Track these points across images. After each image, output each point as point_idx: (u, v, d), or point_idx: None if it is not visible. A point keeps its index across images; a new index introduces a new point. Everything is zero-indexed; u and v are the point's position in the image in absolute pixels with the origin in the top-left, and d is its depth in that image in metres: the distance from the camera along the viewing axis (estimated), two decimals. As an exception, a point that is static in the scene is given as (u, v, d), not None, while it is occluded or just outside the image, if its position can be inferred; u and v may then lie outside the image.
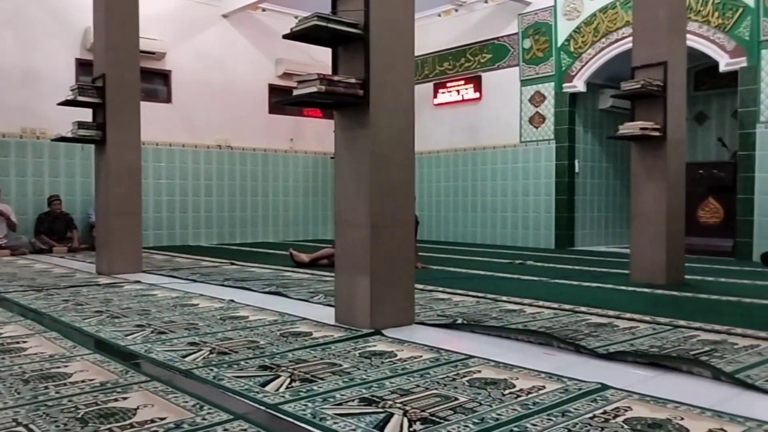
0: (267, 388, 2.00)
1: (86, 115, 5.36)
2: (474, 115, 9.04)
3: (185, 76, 8.70)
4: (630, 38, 4.99)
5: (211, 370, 2.23)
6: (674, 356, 2.42)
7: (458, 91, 9.20)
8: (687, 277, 4.79)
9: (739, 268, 5.73)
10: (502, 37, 8.67)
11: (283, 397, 1.91)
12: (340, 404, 1.84)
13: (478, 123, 8.99)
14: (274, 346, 2.60)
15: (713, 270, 5.52)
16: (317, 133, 9.91)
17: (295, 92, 2.95)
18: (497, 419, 1.72)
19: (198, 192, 8.85)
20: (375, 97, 2.94)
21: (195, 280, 4.81)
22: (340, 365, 2.29)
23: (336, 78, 2.90)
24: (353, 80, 2.91)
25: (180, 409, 1.78)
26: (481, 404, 1.85)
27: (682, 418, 1.73)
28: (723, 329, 2.93)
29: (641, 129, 4.59)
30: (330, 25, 2.88)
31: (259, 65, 9.39)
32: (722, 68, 6.74)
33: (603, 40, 7.65)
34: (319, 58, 8.21)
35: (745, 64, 6.50)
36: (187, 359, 2.39)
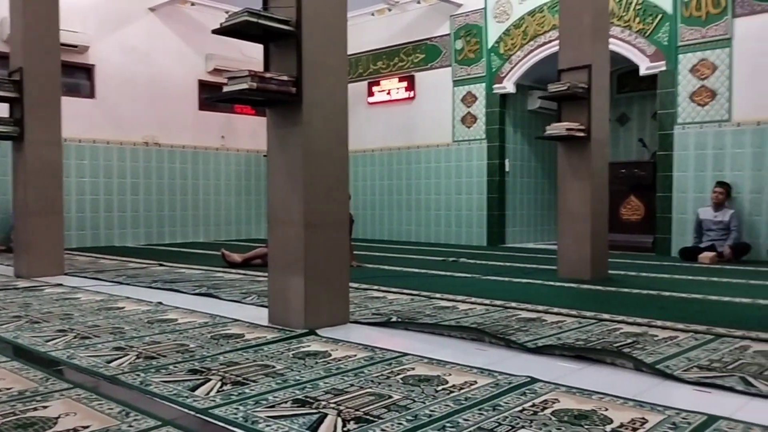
0: (197, 393, 1.95)
1: (2, 110, 5.08)
2: (408, 114, 9.11)
3: (110, 71, 8.37)
4: (557, 41, 5.15)
5: (138, 375, 2.15)
6: (599, 349, 2.51)
7: (392, 90, 9.25)
8: (610, 272, 4.99)
9: (659, 263, 6.02)
10: (435, 37, 8.78)
11: (213, 401, 1.87)
12: (272, 406, 1.81)
13: (412, 122, 9.07)
14: (204, 349, 2.53)
15: (635, 265, 5.77)
16: (249, 131, 9.74)
17: (226, 89, 2.89)
18: (430, 415, 1.74)
19: (124, 191, 8.54)
20: (308, 94, 2.92)
21: (121, 283, 4.64)
22: (273, 367, 2.26)
23: (268, 75, 2.86)
24: (286, 77, 2.88)
25: (105, 417, 1.71)
26: (414, 401, 1.86)
27: (606, 409, 1.80)
28: (644, 322, 3.06)
29: (567, 130, 4.75)
30: (261, 21, 2.83)
31: (188, 60, 9.15)
32: (643, 72, 7.05)
33: (531, 42, 7.86)
34: (250, 54, 8.07)
35: (664, 68, 6.82)
36: (112, 365, 2.30)
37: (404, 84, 9.10)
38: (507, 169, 8.45)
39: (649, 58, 6.92)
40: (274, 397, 1.90)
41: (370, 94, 9.49)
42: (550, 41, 7.49)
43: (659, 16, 6.81)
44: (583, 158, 4.82)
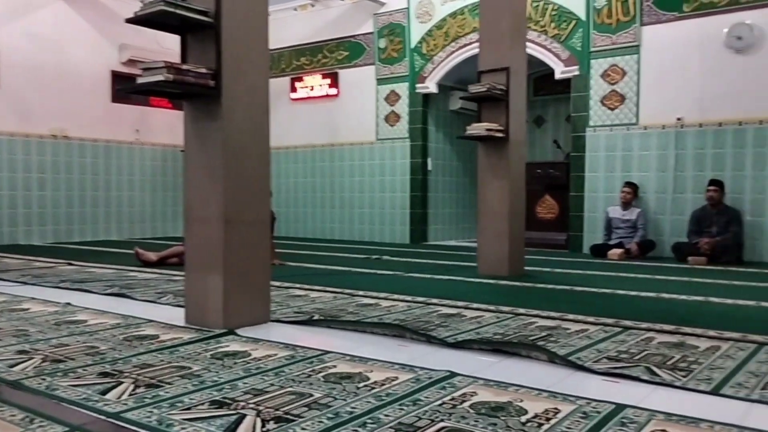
0: (108, 396, 1.86)
1: None
2: (331, 111, 9.07)
3: (15, 59, 7.87)
4: (477, 44, 5.26)
5: (44, 379, 2.03)
6: (515, 342, 2.59)
7: (316, 86, 9.18)
8: (527, 268, 5.15)
9: (572, 260, 6.27)
10: (359, 35, 8.79)
11: (125, 404, 1.79)
12: (188, 409, 1.76)
13: (335, 119, 9.04)
14: (116, 351, 2.43)
15: (549, 261, 5.98)
16: (166, 125, 9.41)
17: (140, 80, 2.78)
18: (351, 412, 1.73)
19: (29, 186, 8.06)
20: (228, 88, 2.85)
21: (26, 283, 4.37)
22: (190, 368, 2.19)
23: (185, 67, 2.77)
24: (204, 70, 2.80)
25: (6, 424, 1.60)
26: (336, 399, 1.85)
27: (521, 400, 1.85)
28: (557, 316, 3.18)
29: (487, 130, 4.86)
30: (178, 11, 2.74)
31: (101, 50, 8.73)
32: (558, 75, 7.32)
33: (453, 44, 8.00)
34: (168, 46, 7.79)
35: (577, 73, 7.10)
36: (15, 369, 2.16)
37: (328, 81, 9.05)
38: (429, 167, 8.57)
39: (564, 62, 7.19)
40: (191, 399, 1.85)
41: (293, 90, 9.39)
42: (470, 43, 7.65)
43: (573, 23, 7.10)
44: (502, 158, 4.95)
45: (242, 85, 2.93)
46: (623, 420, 1.68)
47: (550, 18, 7.23)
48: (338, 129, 9.01)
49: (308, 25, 9.23)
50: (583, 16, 7.02)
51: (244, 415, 1.70)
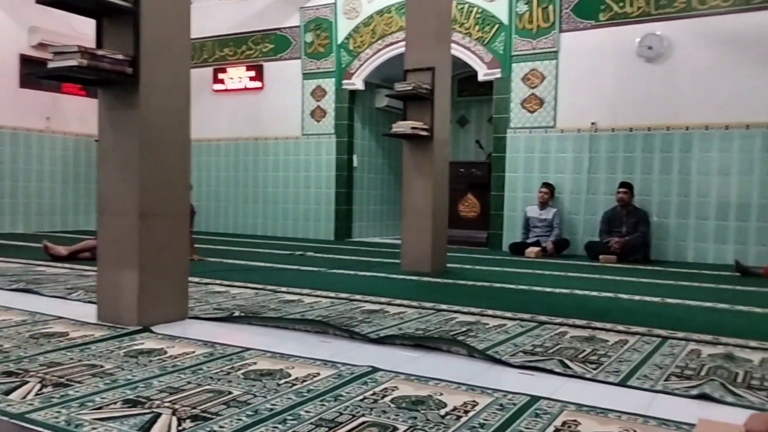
0: (11, 396, 1.76)
1: None
2: (256, 104, 8.91)
3: None
4: (404, 42, 5.31)
5: (-63, 382, 1.89)
6: (436, 337, 2.63)
7: (239, 78, 8.99)
8: (449, 265, 5.25)
9: (492, 257, 6.44)
10: (285, 28, 8.67)
11: (31, 405, 1.69)
12: (100, 408, 1.68)
13: (260, 113, 8.89)
14: (21, 350, 2.29)
15: (470, 259, 6.12)
16: (79, 113, 8.96)
17: (51, 65, 2.63)
18: (271, 409, 1.71)
19: (-75, 174, 7.48)
20: (146, 76, 2.74)
21: None
22: (102, 366, 2.10)
23: (101, 52, 2.64)
24: (121, 56, 2.68)
25: None
26: (255, 396, 1.82)
27: (441, 394, 1.88)
28: (477, 311, 3.26)
29: (412, 128, 4.91)
30: (94, -7, 2.61)
31: (8, 33, 8.21)
32: (481, 77, 7.49)
33: (380, 41, 8.04)
34: (82, 30, 7.42)
35: (499, 75, 7.29)
36: None
37: (252, 73, 8.89)
38: (355, 164, 8.57)
39: (487, 65, 7.37)
40: (102, 398, 1.77)
41: (216, 81, 9.16)
42: (397, 42, 7.70)
43: (496, 26, 7.28)
44: (426, 156, 5.02)
45: (161, 74, 2.82)
46: (537, 411, 1.74)
47: (475, 21, 7.39)
48: (263, 123, 8.86)
49: (233, 15, 9.02)
50: (505, 20, 7.21)
51: (159, 414, 1.65)
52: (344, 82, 8.30)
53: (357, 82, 8.25)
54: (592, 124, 6.72)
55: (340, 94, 8.34)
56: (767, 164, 5.98)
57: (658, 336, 2.76)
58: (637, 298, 3.87)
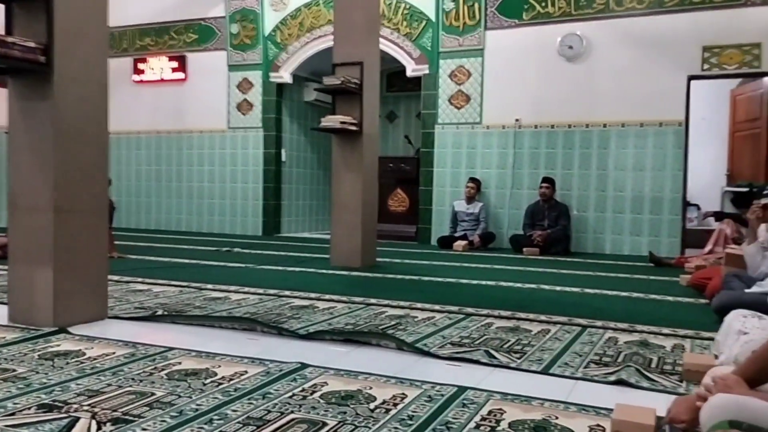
0: None
1: None
2: (179, 96, 8.64)
3: None
4: (332, 36, 5.28)
5: None
6: (366, 332, 2.64)
7: (161, 69, 8.69)
8: (378, 260, 5.28)
9: (421, 251, 6.52)
10: (209, 18, 8.44)
11: (-68, 416, 1.58)
12: (12, 414, 1.59)
13: (183, 105, 8.62)
14: None
15: (400, 253, 6.17)
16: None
17: (-47, 50, 2.45)
18: (197, 410, 1.67)
19: None
20: (60, 65, 2.60)
21: None
22: (14, 370, 1.99)
23: (10, 40, 2.49)
24: (33, 44, 2.53)
25: None
26: (180, 396, 1.77)
27: (371, 388, 1.89)
28: (406, 305, 3.29)
29: (341, 123, 4.90)
30: (1, -25, 2.45)
31: None
32: (409, 73, 7.55)
33: (308, 35, 7.96)
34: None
35: (427, 71, 7.37)
36: None
37: (175, 64, 8.61)
38: (283, 159, 8.46)
39: (415, 60, 7.43)
40: (15, 403, 1.67)
41: (136, 71, 8.81)
42: (325, 35, 7.64)
43: (424, 23, 7.35)
44: (356, 151, 5.02)
45: (77, 63, 2.69)
46: (464, 401, 1.78)
47: (402, 17, 7.43)
48: (186, 115, 8.61)
49: (154, 3, 8.69)
50: (433, 17, 7.28)
51: (77, 418, 1.58)
52: (272, 74, 8.18)
53: (285, 75, 8.14)
54: (517, 120, 6.90)
55: (267, 87, 8.21)
56: (679, 160, 6.32)
57: (578, 325, 2.87)
58: (558, 288, 4.01)
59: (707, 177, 7.81)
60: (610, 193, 6.60)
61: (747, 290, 2.94)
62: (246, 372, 2.03)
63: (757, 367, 1.34)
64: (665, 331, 2.77)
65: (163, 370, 2.04)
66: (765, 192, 3.04)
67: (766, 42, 5.93)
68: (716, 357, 2.15)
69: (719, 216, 5.83)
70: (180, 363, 2.13)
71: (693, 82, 6.29)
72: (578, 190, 6.72)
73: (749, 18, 5.98)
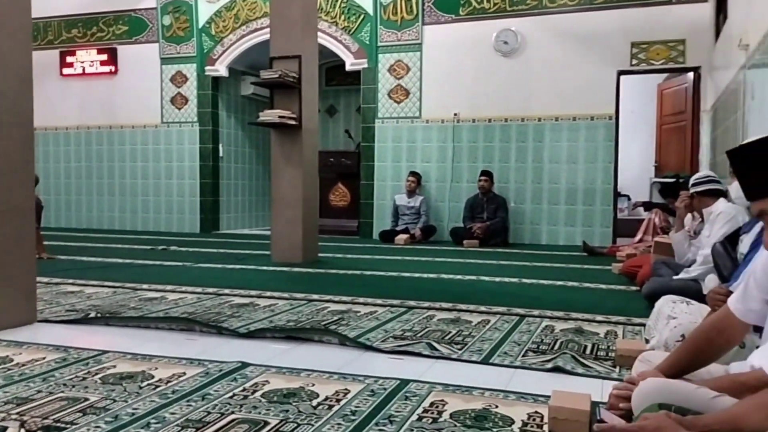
0: None
1: None
2: (109, 90, 8.33)
3: None
4: (269, 29, 5.19)
5: None
6: (308, 328, 2.62)
7: (91, 62, 8.35)
8: (320, 255, 5.25)
9: (363, 245, 6.52)
10: (140, 9, 8.17)
11: None
12: (-70, 429, 1.50)
13: (114, 99, 8.32)
14: None
15: (342, 248, 6.16)
16: None
17: None
18: (133, 414, 1.62)
19: None
20: (-22, 57, 2.47)
21: None
22: (-68, 381, 1.88)
23: None
24: (-54, 34, 2.39)
25: None
26: (115, 401, 1.72)
27: (313, 384, 1.88)
28: (349, 300, 3.29)
29: (279, 117, 4.83)
30: None
31: None
32: (348, 67, 7.52)
33: (244, 27, 7.81)
34: None
35: (366, 66, 7.36)
36: None
37: (104, 56, 8.29)
38: (221, 154, 8.29)
39: (354, 54, 7.41)
40: (-67, 417, 1.58)
41: (64, 64, 8.45)
42: (262, 28, 7.52)
43: (362, 16, 7.33)
44: (295, 146, 4.96)
45: (-3, 55, 2.55)
46: (407, 394, 1.79)
47: (340, 10, 7.39)
48: (117, 109, 8.31)
49: (82, -7, 8.35)
50: (371, 11, 7.28)
51: (4, 428, 1.50)
52: (207, 68, 7.99)
53: (221, 69, 7.97)
54: (455, 114, 6.98)
55: (202, 80, 8.02)
56: (610, 152, 6.55)
57: (516, 315, 2.93)
58: (497, 279, 4.09)
59: (636, 168, 8.13)
60: (546, 185, 6.78)
61: (675, 277, 3.07)
62: (184, 373, 1.98)
63: (677, 359, 1.39)
64: (599, 318, 2.87)
65: (96, 374, 1.97)
66: (692, 181, 3.17)
67: (690, 38, 6.20)
68: (647, 342, 2.24)
69: (648, 206, 6.07)
70: (114, 366, 2.06)
71: (622, 77, 6.53)
72: (515, 182, 6.87)
73: (674, 15, 6.24)
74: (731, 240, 2.28)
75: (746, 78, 4.01)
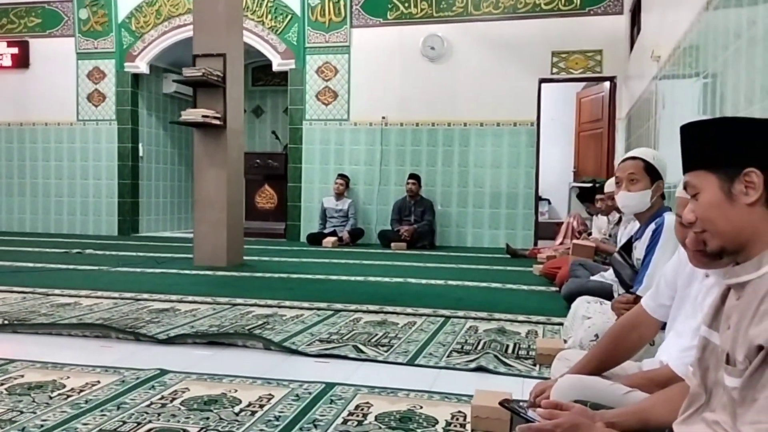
0: None
1: None
2: (20, 85, 7.88)
3: None
4: (192, 25, 5.05)
5: None
6: (231, 333, 2.56)
7: (0, 56, 7.88)
8: (246, 258, 5.14)
9: (290, 248, 6.44)
10: (54, 2, 7.77)
11: None
12: None
13: (25, 95, 7.88)
14: None
15: (268, 251, 6.06)
16: None
17: None
18: (42, 426, 1.53)
19: None
20: None
21: None
22: None
23: None
24: None
25: None
26: (22, 413, 1.62)
27: (236, 390, 1.83)
28: (274, 303, 3.24)
29: (203, 116, 4.71)
30: None
31: None
32: (275, 67, 7.42)
33: (165, 23, 7.57)
34: None
35: (293, 66, 7.29)
36: None
37: (15, 50, 7.84)
38: (141, 153, 8.00)
39: (281, 55, 7.32)
40: None
41: (-30, 57, 7.93)
42: (185, 24, 7.31)
43: (289, 17, 7.25)
44: (219, 146, 4.85)
45: None
46: (332, 398, 1.77)
47: (267, 9, 7.29)
48: (29, 106, 7.87)
49: (-11, -18, 7.87)
50: (298, 11, 7.21)
51: None
52: (126, 64, 7.69)
53: (141, 65, 7.69)
54: (383, 118, 7.02)
55: (121, 77, 7.71)
56: (531, 158, 6.75)
57: (442, 316, 2.97)
58: (424, 281, 4.14)
59: (556, 173, 8.42)
60: (471, 189, 6.92)
61: (591, 278, 3.20)
62: (98, 382, 1.89)
63: (593, 357, 1.45)
64: (520, 318, 2.95)
65: (2, 384, 1.85)
66: (607, 186, 3.30)
67: (606, 49, 6.49)
68: (565, 341, 2.32)
69: (582, 197, 6.10)
70: (22, 376, 1.94)
71: (543, 85, 6.75)
72: (442, 186, 6.97)
73: (592, 26, 6.51)
74: (626, 249, 2.39)
75: (658, 88, 4.23)
